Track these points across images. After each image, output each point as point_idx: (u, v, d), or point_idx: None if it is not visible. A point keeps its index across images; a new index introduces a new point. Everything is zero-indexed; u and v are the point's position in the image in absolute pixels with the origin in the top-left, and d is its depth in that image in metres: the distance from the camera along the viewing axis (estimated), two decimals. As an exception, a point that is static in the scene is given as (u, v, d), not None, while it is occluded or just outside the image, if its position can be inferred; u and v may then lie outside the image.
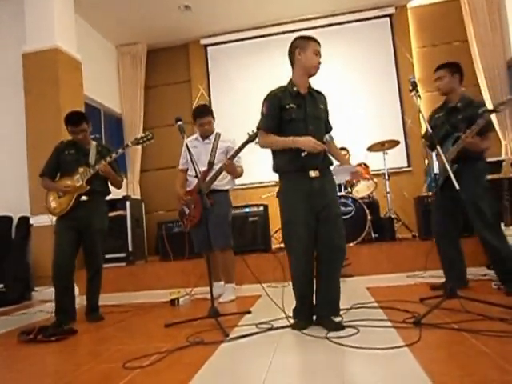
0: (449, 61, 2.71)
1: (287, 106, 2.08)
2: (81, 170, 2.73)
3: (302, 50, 2.11)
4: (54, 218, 2.77)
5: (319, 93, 2.23)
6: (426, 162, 2.90)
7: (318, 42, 2.15)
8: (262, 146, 2.22)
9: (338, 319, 2.05)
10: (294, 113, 2.08)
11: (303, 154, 2.02)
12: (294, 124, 2.07)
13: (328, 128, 2.25)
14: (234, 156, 2.99)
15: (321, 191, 2.06)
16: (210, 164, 3.10)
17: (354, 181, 4.33)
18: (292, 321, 2.15)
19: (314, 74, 2.15)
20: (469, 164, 2.46)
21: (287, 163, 2.10)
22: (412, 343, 1.66)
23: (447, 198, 2.55)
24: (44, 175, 2.84)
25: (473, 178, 2.46)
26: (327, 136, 2.14)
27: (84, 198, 2.74)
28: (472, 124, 2.39)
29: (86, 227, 2.75)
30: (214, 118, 3.22)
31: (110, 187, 2.96)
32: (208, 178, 3.08)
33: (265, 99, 2.16)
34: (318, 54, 2.12)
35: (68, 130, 2.79)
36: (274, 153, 2.19)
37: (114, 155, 2.75)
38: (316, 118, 2.11)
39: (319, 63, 2.12)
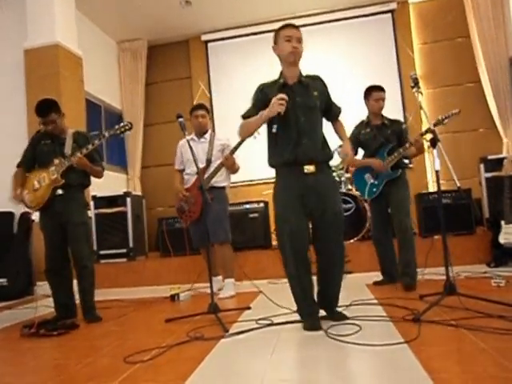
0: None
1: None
2: (56, 161, 2.60)
3: (275, 43, 2.03)
4: (37, 214, 2.70)
5: (315, 78, 2.07)
6: (352, 169, 3.21)
7: (291, 26, 1.96)
8: (239, 135, 2.09)
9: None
10: None
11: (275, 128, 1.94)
12: (283, 116, 1.89)
13: (335, 111, 2.09)
14: (233, 151, 3.09)
15: (316, 189, 1.96)
16: (208, 161, 3.19)
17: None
18: (293, 317, 2.15)
19: (295, 61, 1.97)
20: (402, 170, 2.98)
21: (279, 156, 2.01)
22: (411, 340, 1.67)
23: (382, 202, 2.93)
24: (20, 166, 2.76)
25: (405, 182, 2.96)
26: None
27: (60, 191, 2.62)
28: (400, 137, 2.95)
29: (67, 222, 2.64)
30: (209, 115, 3.35)
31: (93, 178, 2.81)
32: (207, 175, 3.14)
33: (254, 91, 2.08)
34: (290, 39, 1.93)
35: (39, 121, 2.66)
36: (268, 145, 2.09)
37: (90, 147, 2.58)
38: (308, 107, 1.97)
39: (294, 47, 1.93)
